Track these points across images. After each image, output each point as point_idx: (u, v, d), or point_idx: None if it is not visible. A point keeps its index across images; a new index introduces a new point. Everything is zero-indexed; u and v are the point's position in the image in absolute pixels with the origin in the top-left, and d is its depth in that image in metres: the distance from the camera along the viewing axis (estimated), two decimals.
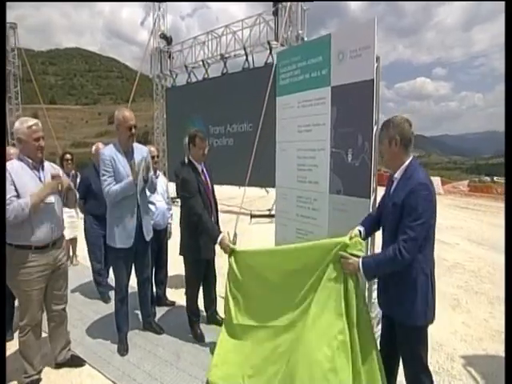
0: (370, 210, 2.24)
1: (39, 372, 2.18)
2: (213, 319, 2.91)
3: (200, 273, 2.69)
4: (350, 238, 1.68)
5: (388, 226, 1.62)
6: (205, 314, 2.93)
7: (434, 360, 2.44)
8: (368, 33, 2.27)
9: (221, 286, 2.71)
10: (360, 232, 1.77)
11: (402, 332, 1.61)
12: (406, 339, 1.60)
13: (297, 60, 2.77)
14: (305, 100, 2.70)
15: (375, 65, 2.29)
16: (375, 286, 1.92)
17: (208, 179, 2.66)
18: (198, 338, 2.67)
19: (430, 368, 2.26)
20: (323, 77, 2.54)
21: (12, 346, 2.54)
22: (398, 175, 1.59)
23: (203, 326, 2.80)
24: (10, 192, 1.91)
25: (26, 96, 13.01)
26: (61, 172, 2.21)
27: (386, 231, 1.65)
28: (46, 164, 2.16)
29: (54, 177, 2.08)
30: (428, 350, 1.63)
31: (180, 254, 2.68)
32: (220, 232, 2.37)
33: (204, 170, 2.66)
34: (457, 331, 2.85)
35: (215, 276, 2.92)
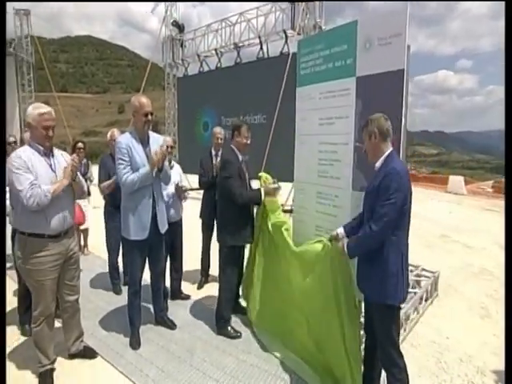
0: None
1: (53, 362, 2.19)
2: (237, 308, 2.91)
3: (241, 260, 2.70)
4: (330, 240, 2.00)
5: (366, 208, 1.79)
6: None
7: (463, 373, 2.30)
8: (399, 19, 2.11)
9: None
10: (337, 234, 1.98)
11: (374, 310, 1.76)
12: (379, 317, 1.73)
13: (319, 48, 2.61)
14: (327, 91, 2.55)
15: (406, 53, 2.13)
16: None
17: (246, 172, 2.67)
18: (235, 336, 2.61)
19: (458, 381, 2.16)
20: (348, 66, 2.39)
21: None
22: (378, 164, 1.74)
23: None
24: (30, 177, 1.89)
25: (37, 84, 13.05)
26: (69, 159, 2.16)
27: (365, 214, 1.80)
28: (56, 151, 2.12)
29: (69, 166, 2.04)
30: (400, 331, 1.80)
31: (218, 239, 2.67)
32: (258, 189, 2.58)
33: (244, 163, 2.69)
34: (487, 343, 2.68)
35: (242, 268, 2.90)
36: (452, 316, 3.07)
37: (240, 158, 2.64)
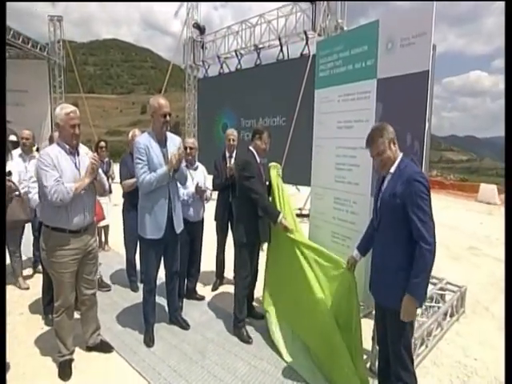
0: None
1: (72, 352, 2.28)
2: (253, 313, 2.92)
3: (254, 258, 2.72)
4: (349, 269, 2.05)
5: (384, 218, 1.71)
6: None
7: None
8: (424, 17, 2.02)
9: None
10: (355, 259, 2.02)
11: (390, 315, 1.69)
12: (394, 322, 1.66)
13: (339, 50, 2.56)
14: (346, 94, 2.50)
15: (431, 54, 2.04)
16: None
17: (263, 175, 2.69)
18: (247, 340, 2.60)
19: None
20: (368, 68, 2.32)
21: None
22: (392, 170, 1.71)
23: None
24: (55, 174, 2.01)
25: (68, 85, 13.70)
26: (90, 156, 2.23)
27: (382, 225, 1.73)
28: (81, 150, 2.21)
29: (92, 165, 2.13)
30: (413, 333, 1.80)
31: (234, 237, 2.73)
32: (279, 212, 2.48)
33: (261, 166, 2.71)
34: None
35: (257, 263, 2.89)
36: (480, 335, 2.84)
37: (258, 160, 2.66)
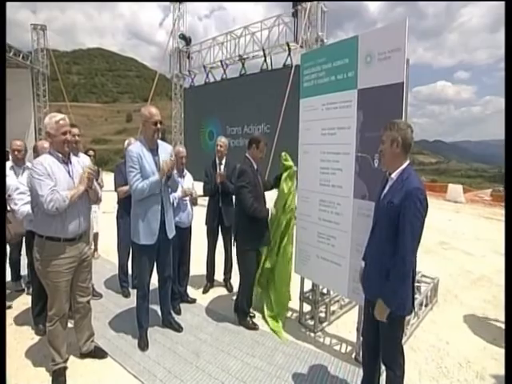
0: None
1: (65, 360, 2.27)
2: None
3: (253, 261, 2.85)
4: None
5: (380, 222, 1.76)
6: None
7: (462, 377, 2.33)
8: (398, 35, 2.21)
9: None
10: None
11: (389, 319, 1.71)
12: (387, 323, 1.71)
13: (322, 62, 2.74)
14: (329, 102, 2.66)
15: (405, 67, 2.23)
16: None
17: (260, 180, 2.85)
18: (253, 327, 2.88)
19: None
20: (349, 79, 2.50)
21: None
22: (394, 176, 1.71)
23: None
24: (50, 183, 2.01)
25: (51, 94, 13.52)
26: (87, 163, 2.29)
27: (378, 227, 1.78)
28: (74, 158, 2.24)
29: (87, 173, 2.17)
30: (404, 329, 1.89)
31: (235, 239, 2.88)
32: (266, 209, 2.79)
33: (258, 172, 2.88)
34: (486, 348, 2.71)
35: (259, 266, 3.04)
36: (451, 322, 3.11)
37: (255, 167, 2.83)
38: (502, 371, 2.35)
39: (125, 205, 3.21)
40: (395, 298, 1.64)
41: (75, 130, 3.32)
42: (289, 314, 3.18)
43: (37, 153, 2.82)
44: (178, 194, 3.00)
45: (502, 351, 2.63)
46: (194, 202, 3.22)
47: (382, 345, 1.83)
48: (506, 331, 1.56)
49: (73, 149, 3.23)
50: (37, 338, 2.67)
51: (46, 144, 2.80)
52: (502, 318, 3.23)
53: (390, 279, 1.64)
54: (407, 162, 1.72)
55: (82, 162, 2.29)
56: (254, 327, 2.88)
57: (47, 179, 2.02)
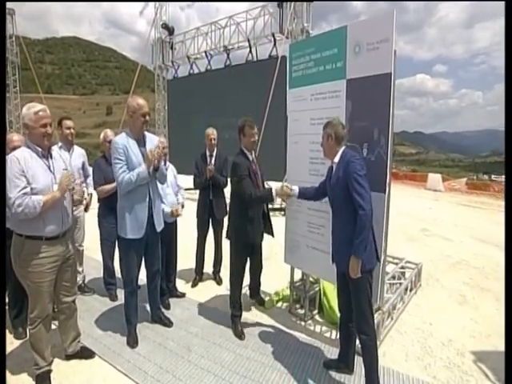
0: (385, 205, 2.22)
1: (50, 363, 2.16)
2: (258, 301, 3.12)
3: (245, 258, 2.75)
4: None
5: (336, 196, 2.02)
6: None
7: (445, 355, 2.46)
8: (387, 26, 2.21)
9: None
10: (290, 190, 2.40)
11: (352, 278, 1.90)
12: (357, 283, 1.92)
13: (310, 52, 2.71)
14: (318, 93, 2.65)
15: (393, 58, 2.25)
16: None
17: (258, 169, 2.71)
18: (239, 335, 2.61)
19: (441, 363, 2.35)
20: (338, 69, 2.49)
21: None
22: (336, 159, 2.03)
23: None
24: (20, 184, 1.84)
25: (21, 84, 12.75)
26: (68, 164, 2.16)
27: (336, 202, 2.04)
28: (54, 152, 2.10)
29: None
30: (372, 292, 1.99)
31: (227, 237, 2.76)
32: (269, 188, 2.58)
33: (255, 160, 2.73)
34: (465, 327, 2.87)
35: (261, 262, 2.98)
36: (434, 304, 3.27)
37: (250, 157, 2.67)
38: (479, 347, 2.55)
39: (106, 202, 3.02)
40: (362, 244, 1.83)
41: (69, 123, 3.17)
42: (279, 304, 3.21)
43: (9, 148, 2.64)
44: (167, 210, 2.85)
45: (479, 329, 2.82)
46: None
47: (354, 311, 1.98)
48: (506, 332, 1.65)
49: (67, 142, 3.10)
50: (17, 343, 2.52)
51: (16, 137, 2.64)
52: (479, 297, 3.44)
53: (355, 235, 1.84)
54: (342, 147, 2.05)
55: (64, 156, 2.16)
56: (239, 336, 2.61)
57: (18, 179, 1.83)
